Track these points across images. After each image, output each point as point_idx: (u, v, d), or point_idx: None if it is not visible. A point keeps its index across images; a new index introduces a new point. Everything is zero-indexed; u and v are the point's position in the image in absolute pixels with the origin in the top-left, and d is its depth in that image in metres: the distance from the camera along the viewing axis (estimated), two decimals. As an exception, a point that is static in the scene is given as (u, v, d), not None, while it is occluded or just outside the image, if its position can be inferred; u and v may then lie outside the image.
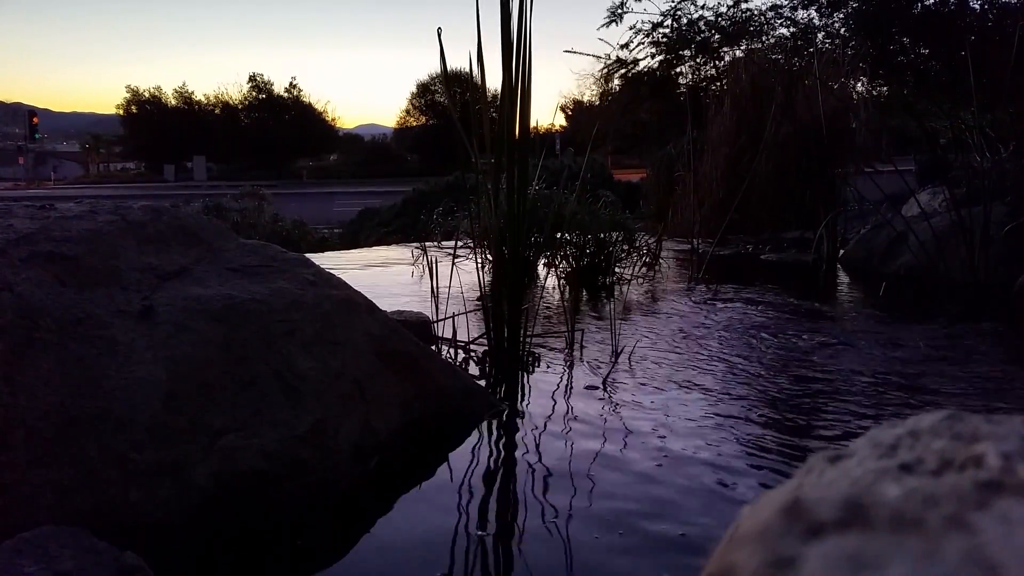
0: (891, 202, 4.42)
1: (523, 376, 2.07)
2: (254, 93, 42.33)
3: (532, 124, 2.17)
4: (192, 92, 42.70)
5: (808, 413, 1.76)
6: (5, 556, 0.87)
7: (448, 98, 3.21)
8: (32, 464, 1.03)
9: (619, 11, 10.89)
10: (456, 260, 2.67)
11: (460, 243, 3.15)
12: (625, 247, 3.66)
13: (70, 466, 1.05)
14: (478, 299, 2.32)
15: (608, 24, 11.09)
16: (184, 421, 1.17)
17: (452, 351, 2.24)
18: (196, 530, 1.12)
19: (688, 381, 1.99)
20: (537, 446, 1.55)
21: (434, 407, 1.64)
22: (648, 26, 11.01)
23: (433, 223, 4.10)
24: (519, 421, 1.71)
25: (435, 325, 2.38)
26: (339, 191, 25.01)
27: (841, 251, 4.50)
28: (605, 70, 11.56)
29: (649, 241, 3.95)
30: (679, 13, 10.76)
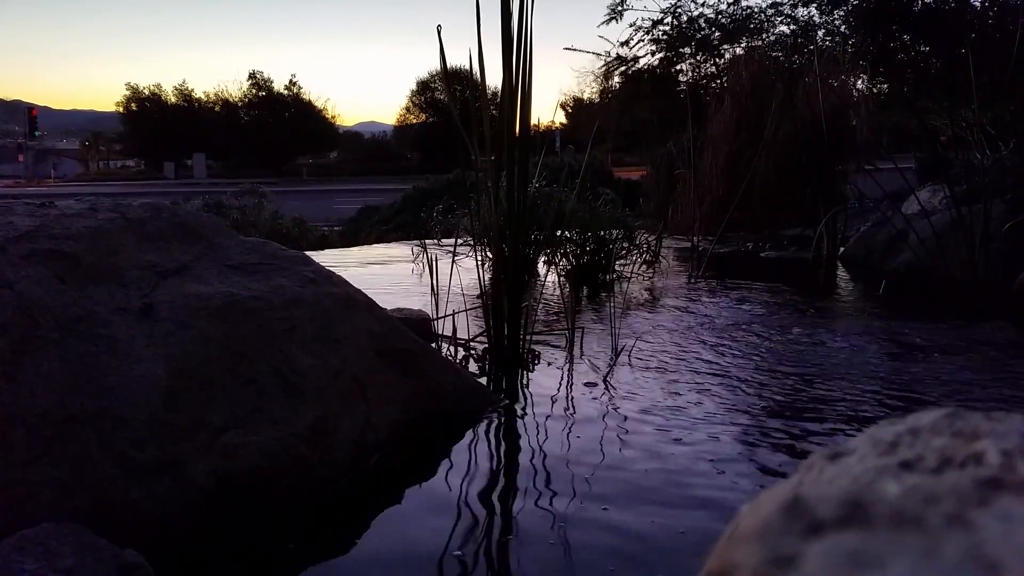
0: (891, 200, 4.42)
1: (523, 374, 2.07)
2: (254, 91, 42.24)
3: (532, 122, 2.17)
4: (192, 89, 42.62)
5: (808, 410, 1.76)
6: (6, 553, 0.88)
7: (448, 96, 3.21)
8: (32, 462, 1.03)
9: (619, 8, 10.88)
10: (456, 258, 2.66)
11: (460, 241, 3.14)
12: (625, 245, 3.66)
13: (70, 464, 1.05)
14: (478, 297, 2.32)
15: (608, 21, 11.08)
16: (184, 419, 1.17)
17: (452, 349, 2.23)
18: (196, 527, 1.12)
19: (688, 379, 1.99)
20: (537, 444, 1.55)
21: (434, 404, 1.64)
22: (648, 23, 11.00)
23: (433, 221, 4.09)
24: (519, 419, 1.71)
25: (435, 323, 2.38)
26: (339, 189, 25.00)
27: (841, 249, 4.50)
28: (605, 67, 11.56)
29: (649, 239, 3.95)
30: (679, 10, 10.76)
